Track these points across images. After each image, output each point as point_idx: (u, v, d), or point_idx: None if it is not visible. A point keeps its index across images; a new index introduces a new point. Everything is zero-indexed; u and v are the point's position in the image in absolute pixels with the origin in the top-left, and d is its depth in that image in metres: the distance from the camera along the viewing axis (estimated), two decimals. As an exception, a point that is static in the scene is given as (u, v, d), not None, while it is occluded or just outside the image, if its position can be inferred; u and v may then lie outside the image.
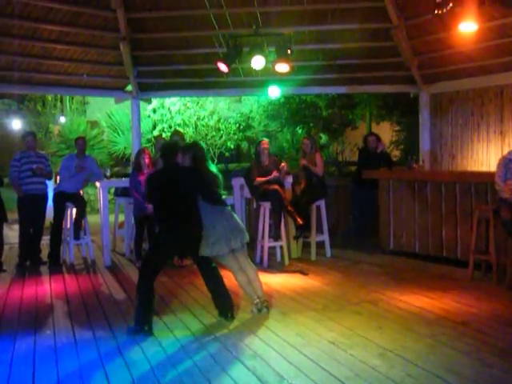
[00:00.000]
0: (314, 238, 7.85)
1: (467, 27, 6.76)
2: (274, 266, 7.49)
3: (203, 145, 5.61)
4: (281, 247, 7.66)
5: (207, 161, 5.28)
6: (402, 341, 4.43)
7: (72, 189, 7.98)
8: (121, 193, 8.76)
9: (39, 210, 7.88)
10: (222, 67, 8.26)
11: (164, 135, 13.06)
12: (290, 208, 7.42)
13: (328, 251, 8.03)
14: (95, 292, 6.41)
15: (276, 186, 7.42)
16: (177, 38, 9.44)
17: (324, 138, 14.59)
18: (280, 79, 9.04)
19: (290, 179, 7.95)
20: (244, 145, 15.97)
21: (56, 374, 3.96)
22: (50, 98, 17.47)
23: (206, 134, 14.55)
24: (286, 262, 7.55)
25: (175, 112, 14.51)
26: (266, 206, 7.47)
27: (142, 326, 4.73)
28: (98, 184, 8.28)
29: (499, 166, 6.08)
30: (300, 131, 14.31)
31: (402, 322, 4.94)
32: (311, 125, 14.06)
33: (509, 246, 6.06)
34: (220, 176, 5.27)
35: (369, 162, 8.62)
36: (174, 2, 8.84)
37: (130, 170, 9.64)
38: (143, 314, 4.79)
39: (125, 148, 15.29)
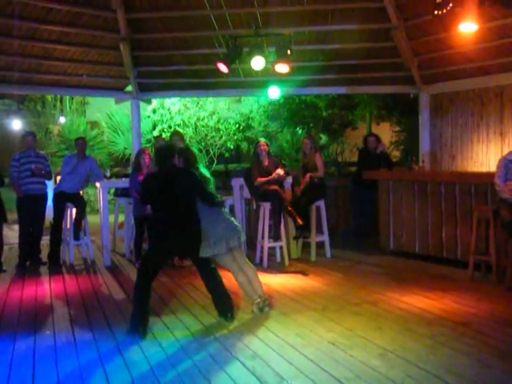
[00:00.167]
0: (314, 239, 7.85)
1: (467, 28, 6.77)
2: (273, 266, 7.49)
3: (195, 149, 5.66)
4: (281, 247, 7.66)
5: (199, 164, 5.34)
6: (402, 341, 4.43)
7: (72, 189, 7.98)
8: (121, 193, 8.76)
9: (39, 211, 7.87)
10: (222, 68, 8.26)
11: (164, 135, 13.03)
12: (289, 208, 7.42)
13: (328, 252, 8.03)
14: (95, 292, 6.41)
15: (276, 187, 7.42)
16: (177, 38, 9.44)
17: (324, 139, 14.59)
18: (280, 80, 9.04)
19: (289, 179, 7.94)
20: (244, 145, 15.96)
21: (56, 374, 3.96)
22: (49, 99, 17.46)
23: (206, 135, 14.54)
24: (286, 262, 7.55)
25: (175, 112, 14.50)
26: (266, 207, 7.47)
27: (137, 328, 4.72)
28: (97, 184, 8.29)
29: (499, 166, 6.07)
30: (300, 132, 14.31)
31: (401, 322, 4.94)
32: (311, 125, 14.06)
33: (509, 247, 6.05)
34: (212, 179, 5.36)
35: (369, 163, 8.62)
36: (174, 2, 8.84)
37: (129, 170, 9.64)
38: (138, 315, 4.79)
39: (125, 148, 15.28)
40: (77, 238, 8.06)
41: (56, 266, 7.77)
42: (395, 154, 14.24)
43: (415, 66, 9.06)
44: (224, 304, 5.15)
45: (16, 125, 17.61)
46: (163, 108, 14.61)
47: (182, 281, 6.71)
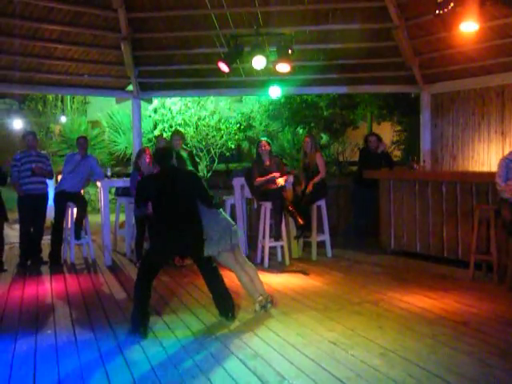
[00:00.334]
0: (315, 238, 7.85)
1: (468, 27, 6.76)
2: (274, 265, 7.49)
3: (184, 154, 5.83)
4: (281, 247, 7.66)
5: (188, 167, 5.44)
6: (403, 341, 4.43)
7: (73, 188, 7.98)
8: (122, 192, 8.76)
9: (39, 210, 7.88)
10: (223, 67, 8.26)
11: (165, 135, 13.03)
12: (290, 208, 7.42)
13: (329, 251, 8.03)
14: (96, 292, 6.41)
15: (277, 185, 7.42)
16: (178, 37, 9.44)
17: (325, 138, 14.57)
18: (281, 79, 9.04)
19: (290, 179, 7.94)
20: (245, 145, 15.94)
21: (57, 374, 3.96)
22: (50, 98, 17.46)
23: (207, 134, 14.52)
24: (287, 261, 7.55)
25: (176, 112, 14.48)
26: (267, 206, 7.47)
27: (138, 328, 4.72)
28: (98, 184, 8.29)
29: (500, 166, 6.07)
30: (301, 131, 14.29)
31: (402, 322, 4.94)
32: (312, 125, 14.05)
33: (510, 247, 6.05)
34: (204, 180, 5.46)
35: (370, 162, 8.62)
36: (175, 1, 8.84)
37: (130, 169, 9.64)
38: (139, 315, 4.79)
39: (126, 148, 15.28)
40: (78, 237, 8.07)
41: (57, 265, 7.78)
42: (396, 154, 14.24)
43: (416, 66, 9.06)
44: (225, 303, 5.15)
45: (17, 124, 17.61)
46: (164, 107, 14.59)
47: (182, 280, 6.71)
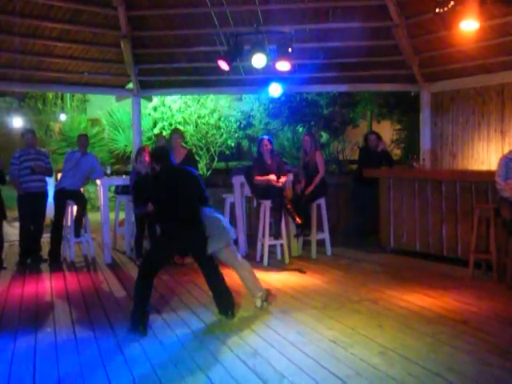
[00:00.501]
0: (315, 237, 7.85)
1: (468, 26, 6.76)
2: (274, 264, 7.49)
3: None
4: (281, 245, 7.66)
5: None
6: (403, 339, 4.44)
7: (72, 186, 7.98)
8: (121, 191, 8.76)
9: (39, 208, 7.88)
10: (223, 65, 8.25)
11: (164, 133, 13.02)
12: (289, 207, 7.42)
13: (328, 249, 8.03)
14: (96, 290, 6.41)
15: (277, 183, 7.42)
16: (178, 35, 9.43)
17: (325, 137, 14.56)
18: (281, 77, 9.03)
19: (290, 177, 7.94)
20: (245, 143, 15.92)
21: (57, 372, 3.96)
22: (50, 96, 17.43)
23: (207, 132, 14.52)
24: (287, 260, 7.56)
25: (176, 110, 14.49)
26: (267, 205, 7.47)
27: (137, 326, 4.73)
28: (98, 182, 8.29)
29: (500, 165, 6.08)
30: (301, 129, 14.28)
31: (402, 320, 4.94)
32: (312, 123, 14.04)
33: (509, 246, 6.05)
34: None
35: (369, 161, 8.62)
36: (175, -1, 8.84)
37: (130, 167, 9.64)
38: (139, 313, 4.79)
39: (125, 146, 15.27)
40: (77, 235, 8.08)
41: (57, 263, 7.79)
42: (396, 152, 14.22)
43: (416, 64, 9.05)
44: (225, 302, 5.16)
45: (17, 122, 17.57)
46: (164, 106, 14.59)
47: (182, 278, 6.71)
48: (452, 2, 6.45)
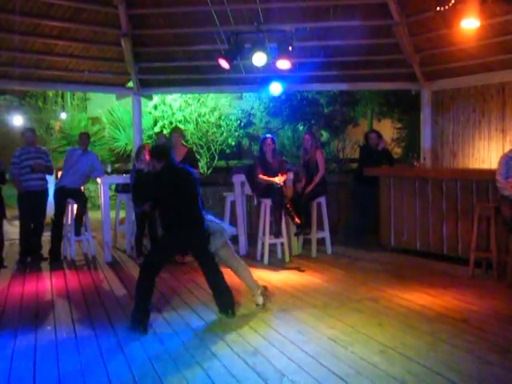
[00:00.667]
0: (315, 235, 7.85)
1: (469, 24, 6.75)
2: (274, 262, 7.49)
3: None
4: (281, 244, 7.66)
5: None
6: (403, 338, 4.44)
7: (72, 184, 7.98)
8: (122, 189, 8.75)
9: (39, 206, 7.88)
10: (224, 64, 8.25)
11: (165, 132, 13.02)
12: (288, 206, 7.41)
13: (329, 248, 8.03)
14: (96, 288, 6.41)
15: (278, 181, 7.41)
16: (178, 34, 9.42)
17: (325, 135, 14.57)
18: (281, 76, 9.02)
19: (290, 176, 7.94)
20: (245, 142, 15.92)
21: (57, 370, 3.96)
22: (51, 94, 17.42)
23: (207, 131, 14.52)
24: (287, 258, 7.56)
25: (176, 108, 14.49)
26: (267, 203, 7.47)
27: (138, 325, 4.73)
28: (99, 180, 8.29)
29: (500, 163, 6.08)
30: (301, 128, 14.28)
31: (402, 319, 4.94)
32: (312, 122, 14.05)
33: (509, 244, 6.06)
34: None
35: (370, 160, 8.62)
36: (176, -2, 8.83)
37: (130, 166, 9.63)
38: (140, 312, 4.79)
39: (126, 144, 15.27)
40: (78, 233, 8.07)
41: (57, 261, 7.78)
42: (396, 151, 14.23)
43: (417, 63, 9.04)
44: (225, 300, 5.16)
45: (17, 121, 17.56)
46: (164, 104, 14.59)
47: (183, 277, 6.72)
48: (453, 1, 6.44)
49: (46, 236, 8.20)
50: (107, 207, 8.02)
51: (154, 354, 4.23)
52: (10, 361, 4.17)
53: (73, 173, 7.97)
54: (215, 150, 14.78)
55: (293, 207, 7.47)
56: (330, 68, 9.61)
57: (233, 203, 8.20)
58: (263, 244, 7.53)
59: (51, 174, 8.35)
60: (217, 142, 14.67)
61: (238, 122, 14.76)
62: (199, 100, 14.49)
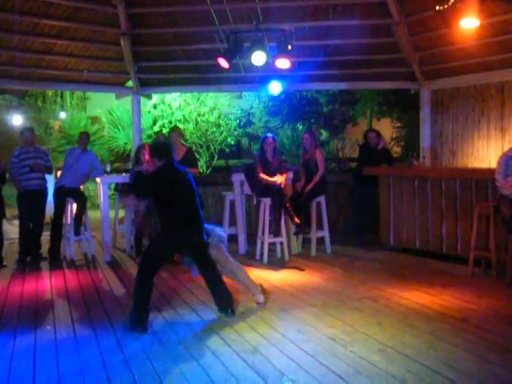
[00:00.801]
0: (315, 234, 7.85)
1: (468, 23, 6.76)
2: (274, 262, 7.49)
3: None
4: (281, 243, 7.66)
5: None
6: (402, 337, 4.44)
7: (72, 184, 7.98)
8: (121, 189, 8.76)
9: (39, 206, 7.87)
10: (223, 63, 8.24)
11: (164, 131, 13.01)
12: (287, 205, 7.41)
13: (328, 247, 8.04)
14: (95, 288, 6.41)
15: (279, 181, 7.42)
16: (177, 33, 9.42)
17: (324, 135, 14.56)
18: (281, 75, 9.02)
19: (290, 175, 7.94)
20: (244, 141, 15.93)
21: (56, 370, 3.96)
22: (50, 94, 17.41)
23: (207, 130, 14.52)
24: (286, 258, 7.56)
25: (175, 108, 14.48)
26: (267, 202, 7.47)
27: (137, 324, 4.73)
28: (98, 179, 8.29)
29: (499, 162, 6.08)
30: (300, 127, 14.28)
31: (402, 318, 4.95)
32: (312, 121, 14.05)
33: (509, 243, 6.05)
34: None
35: (369, 159, 8.62)
36: (175, -3, 8.83)
37: (130, 165, 9.63)
38: (139, 311, 4.78)
39: (125, 144, 15.27)
40: (77, 233, 8.08)
41: (56, 261, 7.79)
42: (396, 150, 14.23)
43: (416, 62, 9.04)
44: (224, 299, 5.16)
45: (17, 120, 17.56)
46: (164, 103, 14.58)
47: (182, 276, 6.71)
48: (452, 0, 6.44)
49: (46, 235, 8.20)
50: (106, 206, 8.02)
51: (154, 354, 4.23)
52: (10, 360, 4.17)
53: (72, 172, 7.97)
54: (214, 150, 14.78)
55: (292, 206, 7.47)
56: (330, 67, 9.60)
57: (232, 202, 8.21)
58: (262, 243, 7.53)
59: (50, 173, 8.35)
60: (216, 141, 14.67)
61: (238, 121, 14.76)
62: (199, 99, 14.48)
